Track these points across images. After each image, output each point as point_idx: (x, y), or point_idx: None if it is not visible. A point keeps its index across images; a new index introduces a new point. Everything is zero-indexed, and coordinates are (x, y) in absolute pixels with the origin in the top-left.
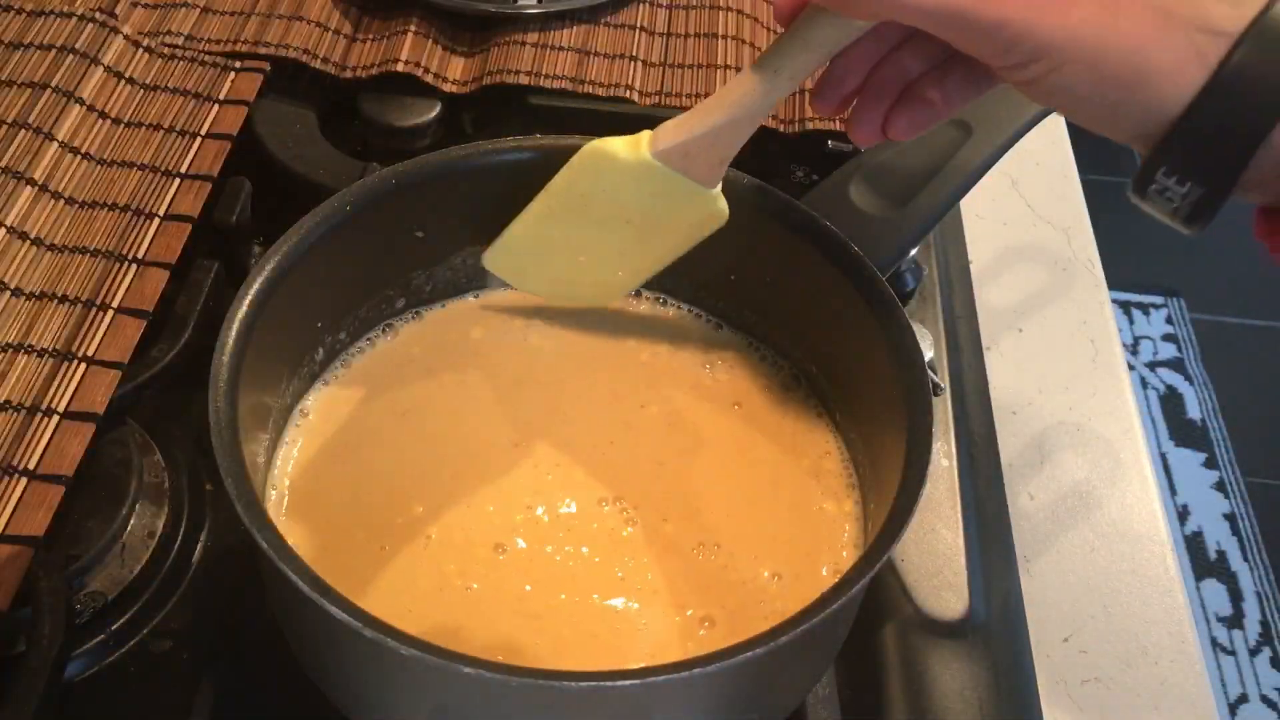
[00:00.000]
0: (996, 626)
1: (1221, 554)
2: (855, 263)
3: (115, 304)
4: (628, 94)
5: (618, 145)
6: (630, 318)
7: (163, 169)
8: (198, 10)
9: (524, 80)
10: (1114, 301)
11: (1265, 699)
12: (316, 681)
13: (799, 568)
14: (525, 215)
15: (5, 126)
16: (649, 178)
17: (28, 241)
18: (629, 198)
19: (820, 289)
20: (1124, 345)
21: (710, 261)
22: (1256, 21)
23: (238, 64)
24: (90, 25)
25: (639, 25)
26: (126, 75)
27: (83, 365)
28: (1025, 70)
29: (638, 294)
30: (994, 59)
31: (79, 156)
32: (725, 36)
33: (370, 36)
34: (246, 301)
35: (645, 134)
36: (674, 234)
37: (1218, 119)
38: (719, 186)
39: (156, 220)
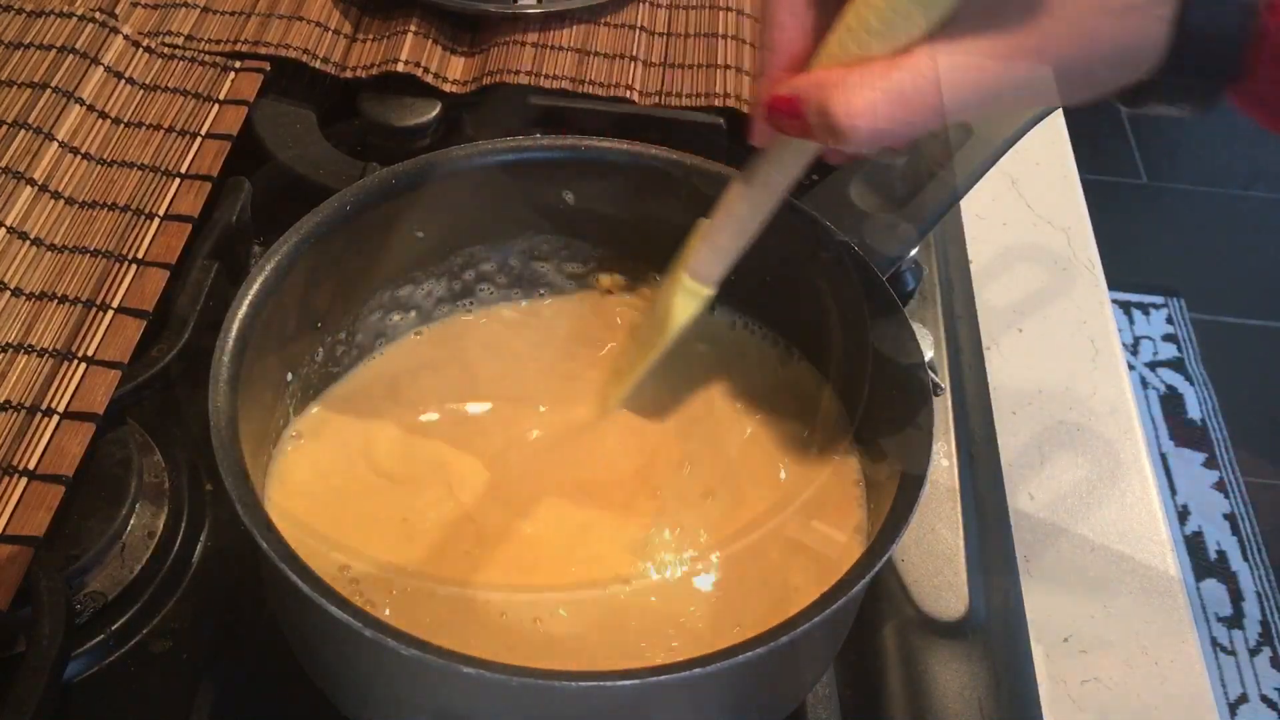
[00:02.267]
0: (996, 626)
1: (1221, 554)
2: (855, 263)
3: (115, 304)
4: (627, 94)
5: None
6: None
7: (163, 169)
8: (198, 10)
9: (524, 80)
10: (1114, 301)
11: (1265, 699)
12: (316, 681)
13: None
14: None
15: (5, 126)
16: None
17: (28, 241)
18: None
19: (820, 289)
20: (1124, 345)
21: None
22: None
23: (238, 64)
24: (90, 25)
25: (639, 25)
26: (126, 75)
27: (83, 365)
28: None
29: (636, 297)
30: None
31: (79, 156)
32: (725, 36)
33: (370, 36)
34: (246, 301)
35: (682, 272)
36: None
37: (1190, 65)
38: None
39: (156, 220)
